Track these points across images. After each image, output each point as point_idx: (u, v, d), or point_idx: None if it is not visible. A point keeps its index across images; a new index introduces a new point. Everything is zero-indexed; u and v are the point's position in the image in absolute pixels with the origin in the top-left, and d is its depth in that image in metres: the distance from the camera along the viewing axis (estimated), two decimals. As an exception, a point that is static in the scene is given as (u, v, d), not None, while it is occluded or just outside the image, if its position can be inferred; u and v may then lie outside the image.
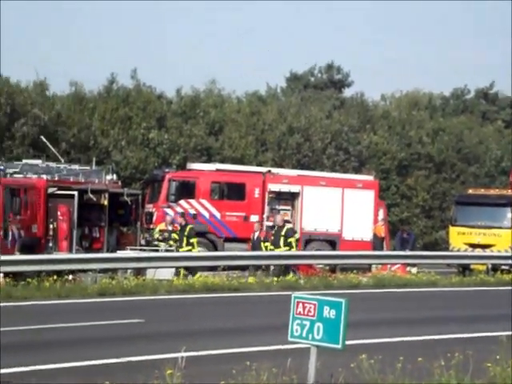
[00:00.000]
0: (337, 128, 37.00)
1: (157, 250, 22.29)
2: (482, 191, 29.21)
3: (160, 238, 22.94)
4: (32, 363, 9.99)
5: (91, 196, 23.26)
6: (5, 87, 30.94)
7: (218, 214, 25.90)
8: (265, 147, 35.50)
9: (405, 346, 11.80)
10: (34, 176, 22.66)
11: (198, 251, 21.77)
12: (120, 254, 21.87)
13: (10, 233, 20.94)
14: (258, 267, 21.79)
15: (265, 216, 26.02)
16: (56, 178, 23.05)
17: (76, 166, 24.98)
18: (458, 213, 28.26)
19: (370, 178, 28.66)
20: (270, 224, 24.78)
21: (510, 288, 21.18)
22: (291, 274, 21.81)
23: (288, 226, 22.55)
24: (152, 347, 11.39)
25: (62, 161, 26.09)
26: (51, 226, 22.27)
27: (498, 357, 8.88)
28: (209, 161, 31.43)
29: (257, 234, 23.45)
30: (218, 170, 26.72)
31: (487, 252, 26.64)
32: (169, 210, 25.22)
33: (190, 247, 21.71)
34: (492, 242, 26.99)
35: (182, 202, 25.65)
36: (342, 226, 26.73)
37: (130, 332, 13.05)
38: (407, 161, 38.61)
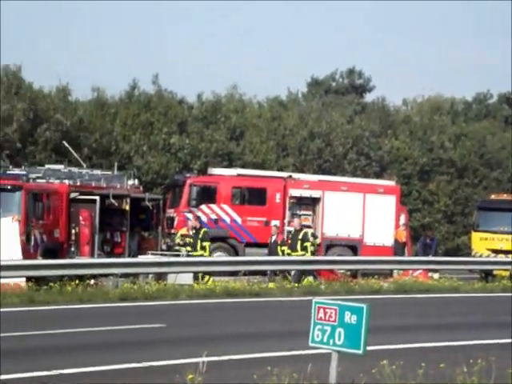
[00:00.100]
0: (358, 133, 36.94)
1: (178, 255, 22.33)
2: (505, 196, 29.01)
3: (181, 243, 22.98)
4: (53, 367, 10.04)
5: (113, 201, 23.37)
6: (28, 93, 31.19)
7: (239, 219, 25.92)
8: (286, 152, 35.50)
9: (426, 352, 11.74)
10: (57, 181, 22.80)
11: (209, 255, 21.69)
12: (141, 258, 21.94)
13: (33, 237, 21.06)
14: (276, 272, 21.78)
15: (286, 221, 26.01)
16: (78, 183, 23.18)
17: (98, 171, 25.12)
18: (480, 218, 28.09)
19: (391, 183, 28.58)
20: (291, 229, 24.78)
21: (533, 294, 21.00)
22: (310, 279, 21.79)
23: (306, 230, 22.53)
24: (173, 352, 11.41)
25: (84, 166, 26.24)
26: (73, 231, 22.38)
27: (520, 363, 8.80)
28: (230, 166, 31.47)
29: (274, 237, 23.43)
30: (238, 175, 26.74)
31: (510, 257, 26.44)
32: (190, 215, 25.27)
33: (202, 251, 21.61)
34: (515, 247, 26.80)
35: (203, 206, 25.69)
36: (363, 231, 26.66)
37: (152, 337, 13.08)
38: (429, 166, 38.45)
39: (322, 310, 7.69)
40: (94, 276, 19.63)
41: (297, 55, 69.54)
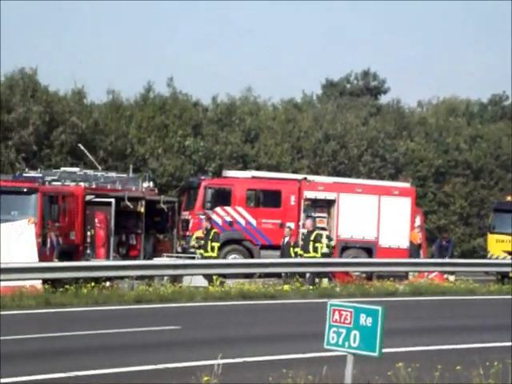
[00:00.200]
0: (373, 135, 36.87)
1: (193, 258, 22.35)
2: (521, 198, 28.87)
3: (196, 245, 23.01)
4: (69, 369, 10.08)
5: (128, 203, 23.44)
6: (43, 96, 31.35)
7: (253, 222, 25.92)
8: (300, 154, 35.49)
9: (442, 355, 11.70)
10: (72, 184, 22.90)
11: (216, 256, 21.66)
12: (156, 261, 21.99)
13: (49, 240, 21.17)
14: (291, 275, 21.76)
15: (300, 223, 25.99)
16: (93, 186, 23.27)
17: (113, 174, 25.21)
18: (496, 220, 27.96)
19: (406, 185, 28.49)
20: (305, 231, 24.76)
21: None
22: (326, 281, 21.76)
23: (318, 231, 22.50)
24: (188, 354, 11.42)
25: (100, 168, 26.35)
26: (89, 233, 22.48)
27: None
28: (244, 168, 31.49)
29: (287, 238, 23.39)
30: (253, 178, 26.76)
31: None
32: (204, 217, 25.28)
33: (211, 252, 21.56)
34: (531, 249, 26.66)
35: (217, 209, 25.72)
36: (378, 233, 26.60)
37: (167, 339, 13.11)
38: (444, 168, 38.32)
39: (337, 313, 7.68)
40: (109, 278, 19.70)
41: (311, 57, 69.55)
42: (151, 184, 26.12)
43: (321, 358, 9.94)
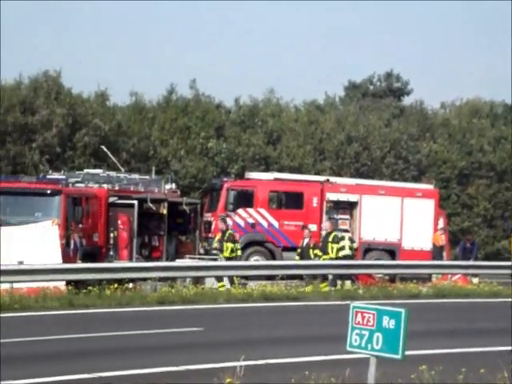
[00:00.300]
0: (396, 136, 36.72)
1: (215, 259, 22.38)
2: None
3: (218, 247, 23.04)
4: (93, 370, 10.12)
5: (151, 205, 23.50)
6: (67, 98, 31.55)
7: (275, 223, 25.90)
8: (323, 156, 35.42)
9: (466, 357, 11.61)
10: (95, 185, 23.01)
11: (228, 256, 21.64)
12: (179, 262, 22.03)
13: (72, 241, 21.27)
14: (314, 276, 21.73)
15: (322, 225, 25.92)
16: (116, 188, 23.36)
17: (136, 176, 25.30)
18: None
19: (429, 186, 28.34)
20: (324, 232, 24.70)
21: None
22: (348, 283, 21.70)
23: (336, 232, 22.45)
24: (211, 356, 11.43)
25: (123, 170, 26.45)
26: (112, 235, 22.56)
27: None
28: (267, 170, 31.47)
29: (306, 240, 23.34)
30: (276, 179, 26.74)
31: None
32: (228, 219, 25.30)
33: (226, 253, 21.55)
34: (556, 251, 26.41)
35: (240, 211, 25.73)
36: (401, 235, 26.48)
37: (189, 340, 13.13)
38: (468, 169, 38.08)
39: (359, 315, 7.65)
40: (132, 280, 19.76)
41: (334, 59, 69.43)
42: (174, 186, 26.17)
43: (343, 360, 9.90)
